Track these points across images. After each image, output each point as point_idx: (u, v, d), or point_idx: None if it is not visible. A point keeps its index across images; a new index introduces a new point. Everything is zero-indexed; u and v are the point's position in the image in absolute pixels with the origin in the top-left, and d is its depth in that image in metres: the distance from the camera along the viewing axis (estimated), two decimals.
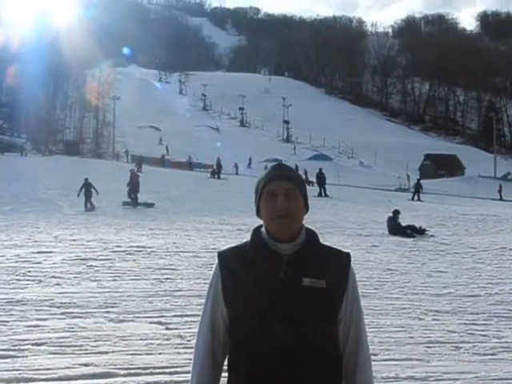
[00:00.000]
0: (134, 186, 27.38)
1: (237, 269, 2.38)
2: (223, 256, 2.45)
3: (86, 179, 26.31)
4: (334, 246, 2.52)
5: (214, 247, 13.69)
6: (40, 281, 10.00)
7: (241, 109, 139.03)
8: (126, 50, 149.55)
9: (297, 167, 58.55)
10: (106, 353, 6.39)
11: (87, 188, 25.81)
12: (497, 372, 6.24)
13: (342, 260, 2.44)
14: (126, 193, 27.69)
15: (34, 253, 12.73)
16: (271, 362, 2.27)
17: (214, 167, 53.78)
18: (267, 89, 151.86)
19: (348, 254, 2.47)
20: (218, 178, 50.41)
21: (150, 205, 26.63)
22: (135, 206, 26.43)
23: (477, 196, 47.14)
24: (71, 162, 54.84)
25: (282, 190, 2.37)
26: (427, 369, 6.28)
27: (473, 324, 8.26)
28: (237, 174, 61.21)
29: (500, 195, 47.59)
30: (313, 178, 39.89)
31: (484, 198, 45.67)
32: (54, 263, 11.62)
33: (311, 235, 2.44)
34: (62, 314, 7.95)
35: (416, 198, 38.60)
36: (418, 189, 39.69)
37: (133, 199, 26.97)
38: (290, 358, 2.26)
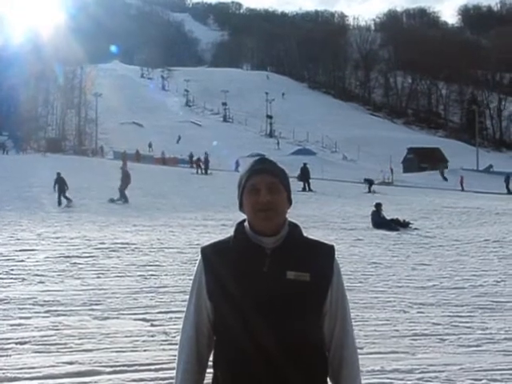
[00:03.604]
0: (126, 183, 27.36)
1: (220, 264, 2.37)
2: (206, 251, 2.44)
3: (59, 174, 26.18)
4: (318, 239, 2.50)
5: (198, 243, 13.62)
6: (23, 279, 9.93)
7: (224, 104, 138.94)
8: (111, 47, 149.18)
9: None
10: (91, 350, 6.35)
11: (60, 183, 25.69)
12: (481, 363, 6.28)
13: (326, 253, 2.43)
14: (110, 190, 27.58)
15: (16, 251, 12.63)
16: (255, 358, 2.25)
17: (200, 163, 53.62)
18: (283, 94, 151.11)
19: (332, 247, 2.46)
20: (205, 173, 50.43)
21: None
22: (127, 202, 26.47)
23: (471, 190, 47.42)
24: (55, 160, 54.46)
25: (265, 183, 2.36)
26: (412, 361, 6.30)
27: (457, 316, 8.30)
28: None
29: (462, 186, 49.41)
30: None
31: (447, 189, 46.27)
32: (38, 261, 11.54)
33: (294, 229, 2.42)
34: (46, 312, 7.89)
35: (368, 190, 39.24)
36: (369, 183, 40.51)
37: (123, 196, 26.93)
38: (274, 353, 2.25)
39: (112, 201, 26.40)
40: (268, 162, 2.47)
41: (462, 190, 47.99)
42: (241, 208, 2.45)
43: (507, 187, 45.62)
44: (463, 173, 58.65)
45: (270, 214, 2.35)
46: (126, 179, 27.51)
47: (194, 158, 59.56)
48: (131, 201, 26.64)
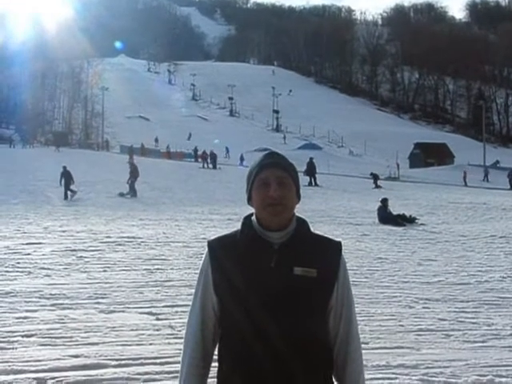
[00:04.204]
0: (135, 176, 27.55)
1: (227, 258, 2.36)
2: (213, 245, 2.43)
3: (65, 167, 26.25)
4: (325, 235, 2.50)
5: (204, 237, 13.64)
6: (29, 272, 9.95)
7: (230, 99, 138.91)
8: (116, 42, 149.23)
9: None
10: (97, 344, 6.37)
11: (66, 177, 25.77)
12: (487, 359, 6.27)
13: (332, 249, 2.42)
14: (116, 183, 27.70)
15: (23, 244, 12.67)
16: (261, 353, 2.25)
17: (206, 156, 53.66)
18: (290, 91, 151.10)
19: (339, 243, 2.45)
20: (214, 167, 50.50)
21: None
22: (135, 196, 26.61)
23: (473, 185, 47.36)
24: (62, 154, 54.61)
25: (275, 178, 2.34)
26: (418, 357, 6.29)
27: (463, 312, 8.29)
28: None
29: (464, 181, 49.52)
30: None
31: (448, 185, 46.16)
32: (44, 254, 11.57)
33: (302, 224, 2.41)
34: (52, 305, 7.91)
35: (375, 186, 39.16)
36: (375, 178, 40.40)
37: (132, 189, 27.06)
38: (280, 348, 2.24)
39: (122, 195, 26.52)
40: (278, 155, 2.46)
41: (465, 185, 48.15)
42: (249, 202, 2.44)
43: (510, 183, 45.64)
44: (468, 168, 58.56)
45: (280, 209, 2.33)
46: (134, 172, 27.64)
47: (199, 152, 59.62)
48: (138, 195, 26.72)
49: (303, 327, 2.27)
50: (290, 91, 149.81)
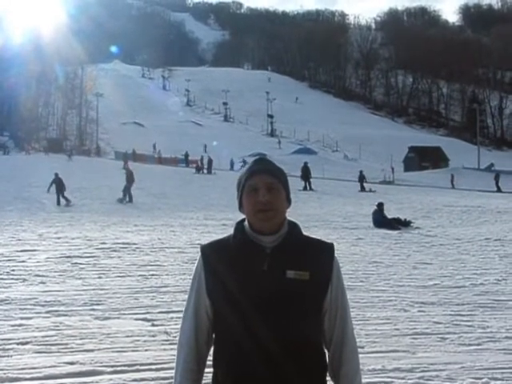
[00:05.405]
0: (131, 182, 27.50)
1: (220, 262, 2.37)
2: (206, 249, 2.43)
3: (57, 174, 26.19)
4: (317, 237, 2.50)
5: (199, 242, 13.55)
6: (24, 279, 9.93)
7: (224, 104, 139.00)
8: (111, 47, 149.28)
9: None
10: (92, 350, 6.35)
11: (58, 183, 25.69)
12: (482, 362, 6.26)
13: (325, 251, 2.42)
14: (110, 190, 27.65)
15: (18, 251, 12.64)
16: (255, 356, 2.25)
17: (199, 163, 53.71)
18: (297, 98, 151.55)
19: (331, 245, 2.45)
20: (209, 173, 50.47)
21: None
22: (131, 201, 26.56)
23: (461, 188, 47.52)
24: (56, 160, 54.45)
25: (264, 183, 2.35)
26: (413, 360, 6.29)
27: (458, 315, 8.29)
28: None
29: (452, 184, 50.31)
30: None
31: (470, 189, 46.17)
32: (39, 261, 11.54)
33: (294, 227, 2.42)
34: (47, 312, 7.89)
35: (361, 188, 39.12)
36: (361, 180, 40.28)
37: (128, 195, 27.02)
38: (274, 351, 2.25)
39: (121, 201, 26.46)
40: (266, 161, 2.47)
41: (453, 187, 48.88)
42: (240, 208, 2.44)
43: (497, 185, 46.03)
44: (462, 171, 58.92)
45: (270, 215, 2.34)
46: (129, 178, 27.59)
47: (190, 158, 59.55)
48: (133, 200, 26.70)
49: (296, 330, 2.28)
50: (297, 99, 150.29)
